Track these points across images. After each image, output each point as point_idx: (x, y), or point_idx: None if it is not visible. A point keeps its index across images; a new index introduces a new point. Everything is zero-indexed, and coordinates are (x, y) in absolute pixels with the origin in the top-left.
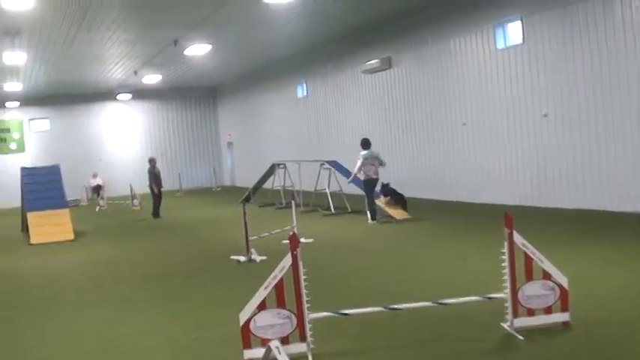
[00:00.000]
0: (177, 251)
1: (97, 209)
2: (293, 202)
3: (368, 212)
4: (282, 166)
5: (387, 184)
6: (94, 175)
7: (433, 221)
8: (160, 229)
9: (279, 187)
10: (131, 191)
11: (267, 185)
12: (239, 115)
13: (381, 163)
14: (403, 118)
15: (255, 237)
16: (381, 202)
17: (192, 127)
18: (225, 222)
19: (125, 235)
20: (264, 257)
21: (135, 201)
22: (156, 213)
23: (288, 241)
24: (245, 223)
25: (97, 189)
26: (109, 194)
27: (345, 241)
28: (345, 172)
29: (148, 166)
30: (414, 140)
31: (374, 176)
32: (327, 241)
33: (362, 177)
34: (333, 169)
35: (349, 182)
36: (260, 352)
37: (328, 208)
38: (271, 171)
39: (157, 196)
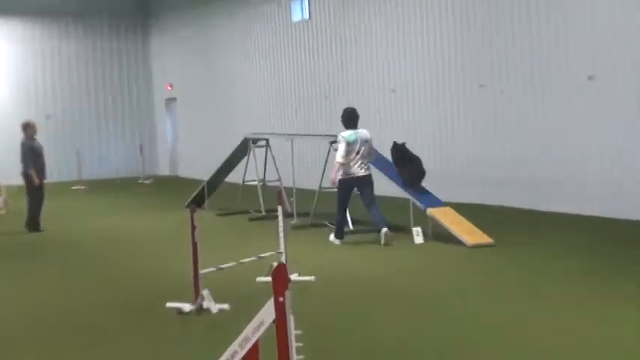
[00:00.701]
0: (72, 293)
1: None
2: (280, 208)
3: (335, 227)
4: (261, 143)
5: (403, 145)
6: None
7: (523, 247)
8: (40, 250)
9: (255, 182)
10: None
11: (235, 177)
12: (188, 52)
13: (370, 154)
14: (481, 66)
15: (212, 269)
16: (435, 213)
17: (105, 71)
18: (159, 241)
19: None
20: (224, 306)
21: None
22: (33, 221)
23: (269, 278)
24: (194, 244)
25: None
26: None
27: (373, 281)
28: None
29: (20, 136)
30: (497, 105)
31: (360, 172)
32: (340, 281)
33: (341, 175)
34: (374, 154)
35: (333, 183)
36: None
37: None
38: (242, 152)
39: (36, 190)
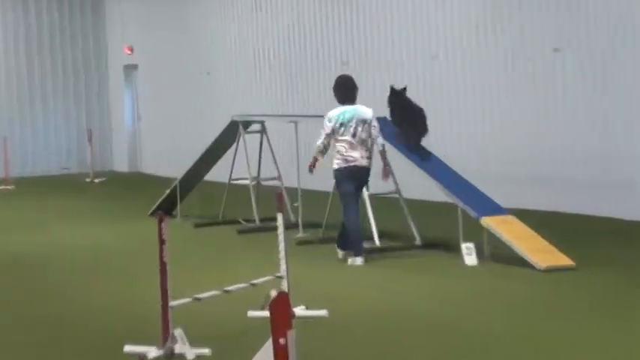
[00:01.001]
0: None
1: None
2: (280, 216)
3: (340, 241)
4: (254, 127)
5: (404, 90)
6: None
7: (613, 271)
8: None
9: (245, 181)
10: None
11: (219, 174)
12: (154, 4)
13: (373, 139)
14: (556, 29)
15: (187, 300)
16: (493, 223)
17: (40, 28)
18: (114, 262)
19: None
20: (204, 350)
21: None
22: None
23: (265, 313)
24: (162, 265)
25: None
26: None
27: (406, 316)
28: (406, 147)
29: None
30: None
31: (360, 162)
32: (362, 317)
33: (337, 163)
34: (377, 139)
35: (310, 171)
36: None
37: (366, 236)
38: (228, 140)
39: None
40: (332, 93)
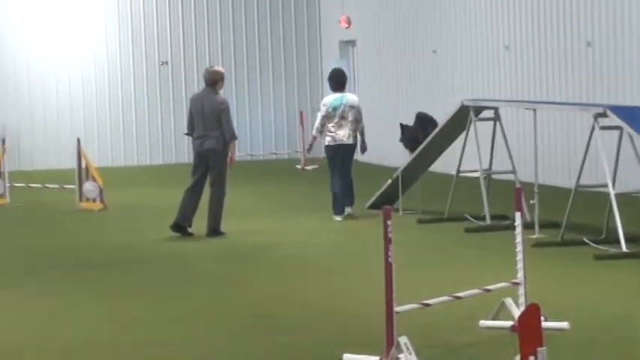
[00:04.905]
0: (210, 334)
1: None
2: (518, 215)
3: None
4: (487, 114)
5: (431, 119)
6: None
7: None
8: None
9: (475, 173)
10: (79, 159)
11: (444, 166)
12: None
13: (358, 121)
14: None
15: (413, 306)
16: None
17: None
18: (331, 259)
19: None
20: None
21: (89, 185)
22: (215, 222)
23: (501, 323)
24: (387, 266)
25: None
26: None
27: None
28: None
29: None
30: None
31: (346, 140)
32: (610, 333)
33: (328, 141)
34: (629, 129)
35: (308, 151)
36: None
37: (611, 239)
38: (457, 127)
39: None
40: (575, 77)
